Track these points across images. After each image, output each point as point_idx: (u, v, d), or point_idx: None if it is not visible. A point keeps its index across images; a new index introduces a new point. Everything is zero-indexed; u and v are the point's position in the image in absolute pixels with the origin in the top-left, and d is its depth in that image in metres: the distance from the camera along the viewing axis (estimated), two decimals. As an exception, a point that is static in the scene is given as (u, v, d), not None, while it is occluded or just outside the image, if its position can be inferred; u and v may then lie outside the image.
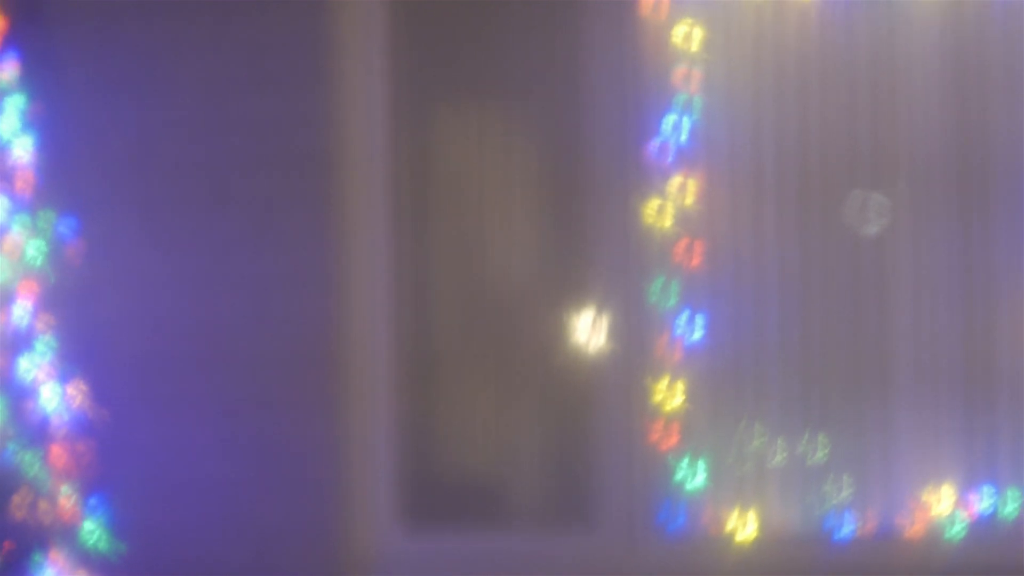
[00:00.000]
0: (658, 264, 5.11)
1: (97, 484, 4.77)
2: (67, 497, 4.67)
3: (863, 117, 5.15)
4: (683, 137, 5.12)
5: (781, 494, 5.12)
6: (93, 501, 4.77)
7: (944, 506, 5.07)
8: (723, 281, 5.13)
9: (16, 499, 4.58)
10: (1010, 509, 5.08)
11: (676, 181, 5.12)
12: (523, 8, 5.23)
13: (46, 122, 4.75)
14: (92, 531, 4.74)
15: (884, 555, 5.06)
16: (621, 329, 5.14)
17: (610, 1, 5.14)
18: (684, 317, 5.09)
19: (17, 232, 4.66)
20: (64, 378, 4.72)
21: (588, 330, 5.20)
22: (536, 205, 5.30)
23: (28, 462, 4.60)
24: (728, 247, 5.14)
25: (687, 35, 5.13)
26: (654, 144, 5.12)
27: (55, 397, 4.68)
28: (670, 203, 5.12)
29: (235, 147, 5.09)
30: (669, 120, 5.12)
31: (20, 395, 4.62)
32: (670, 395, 5.09)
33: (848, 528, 5.08)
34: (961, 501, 5.08)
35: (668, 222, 5.12)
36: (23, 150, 4.70)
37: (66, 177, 4.82)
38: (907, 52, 5.14)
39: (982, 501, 5.08)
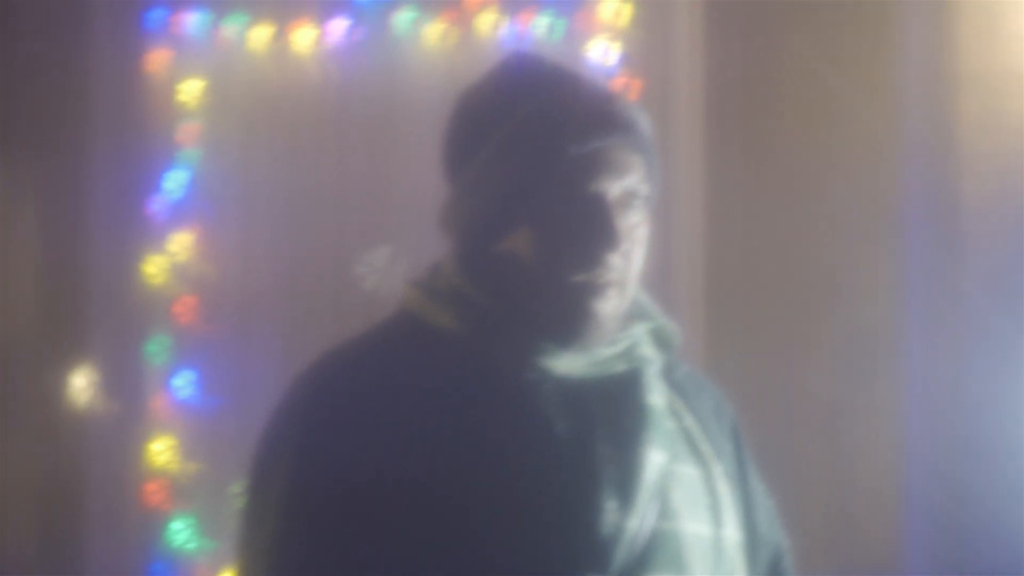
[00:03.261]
0: (156, 321, 5.10)
1: None
2: None
3: (359, 166, 5.25)
4: (182, 193, 5.11)
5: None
6: None
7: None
8: (218, 338, 5.16)
9: None
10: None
11: (176, 238, 5.11)
12: (25, 57, 5.11)
13: None
14: None
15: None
16: (116, 388, 5.10)
17: (115, 56, 5.07)
18: (179, 375, 5.10)
19: None
20: None
21: (83, 390, 5.12)
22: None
23: None
24: (223, 303, 5.17)
25: (191, 90, 5.13)
26: (155, 200, 5.09)
27: None
28: (168, 259, 5.10)
29: None
30: (171, 176, 5.10)
31: None
32: (163, 454, 5.08)
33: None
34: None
35: (165, 278, 5.10)
36: None
37: None
38: (409, 102, 5.27)
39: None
